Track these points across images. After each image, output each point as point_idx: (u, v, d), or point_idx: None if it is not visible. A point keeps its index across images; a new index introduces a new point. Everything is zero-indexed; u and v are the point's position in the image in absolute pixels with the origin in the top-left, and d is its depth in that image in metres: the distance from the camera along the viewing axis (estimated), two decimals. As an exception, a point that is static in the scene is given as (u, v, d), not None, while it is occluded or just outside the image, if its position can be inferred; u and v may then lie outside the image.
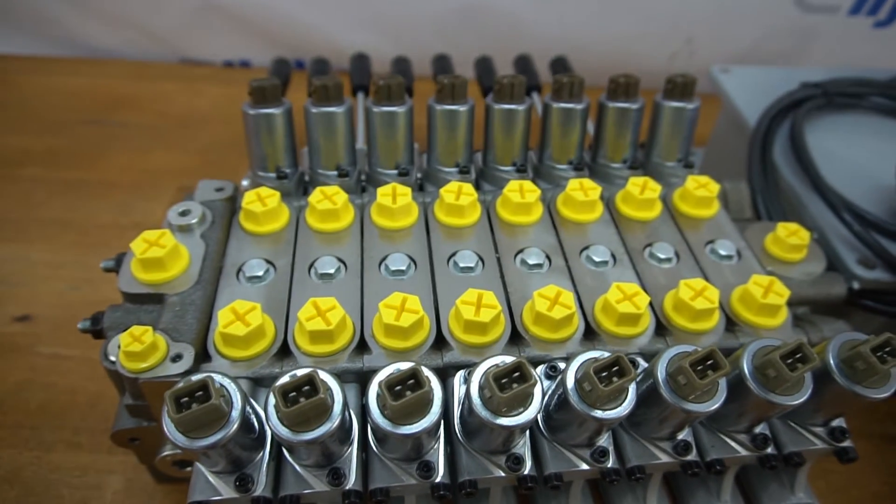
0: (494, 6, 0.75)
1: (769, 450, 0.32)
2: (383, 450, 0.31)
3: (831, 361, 0.29)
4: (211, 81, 0.80)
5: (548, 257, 0.39)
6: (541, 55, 0.64)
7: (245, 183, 0.46)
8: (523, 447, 0.31)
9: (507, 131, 0.44)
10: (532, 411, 0.27)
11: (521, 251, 0.39)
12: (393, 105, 0.42)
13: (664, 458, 0.32)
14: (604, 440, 0.31)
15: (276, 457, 0.31)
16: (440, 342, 0.34)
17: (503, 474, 0.31)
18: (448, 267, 0.38)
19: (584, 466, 0.31)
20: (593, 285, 0.37)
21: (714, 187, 0.42)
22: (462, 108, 0.42)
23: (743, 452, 0.32)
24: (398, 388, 0.26)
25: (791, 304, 0.39)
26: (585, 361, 0.28)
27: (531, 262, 0.38)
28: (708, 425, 0.33)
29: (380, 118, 0.42)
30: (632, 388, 0.28)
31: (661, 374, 0.28)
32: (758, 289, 0.35)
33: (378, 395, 0.27)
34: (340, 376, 0.32)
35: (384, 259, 0.38)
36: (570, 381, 0.28)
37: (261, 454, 0.30)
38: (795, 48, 0.76)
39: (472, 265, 0.38)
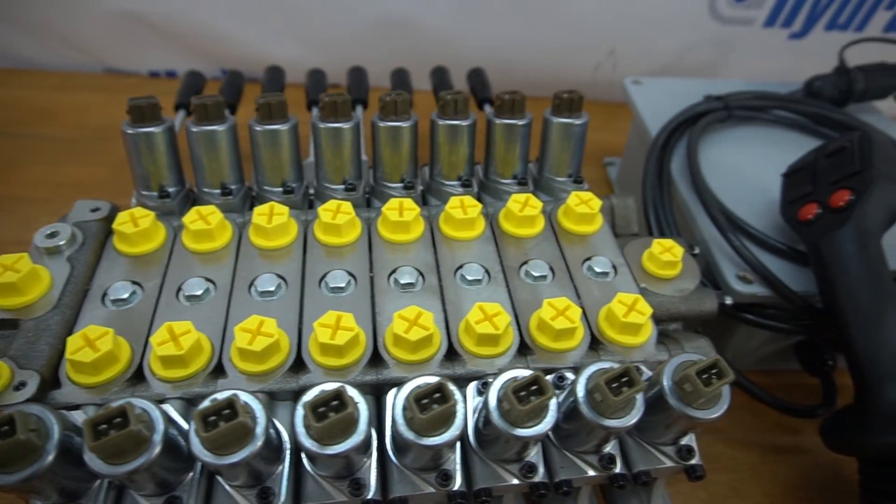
0: (419, 19, 0.75)
1: (617, 469, 0.32)
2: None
3: (665, 383, 0.29)
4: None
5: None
6: (466, 68, 0.64)
7: (133, 201, 0.45)
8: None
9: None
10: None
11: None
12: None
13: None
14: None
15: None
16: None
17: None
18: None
19: (592, 473, 0.32)
20: (458, 301, 0.37)
21: (595, 204, 0.42)
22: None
23: (591, 473, 0.32)
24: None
25: (663, 320, 0.39)
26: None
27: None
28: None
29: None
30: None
31: (581, 391, 0.29)
32: (621, 307, 0.35)
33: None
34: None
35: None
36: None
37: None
38: (716, 60, 0.77)
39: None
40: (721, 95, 0.56)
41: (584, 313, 0.37)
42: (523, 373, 0.30)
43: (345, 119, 0.42)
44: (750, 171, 0.52)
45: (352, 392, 0.28)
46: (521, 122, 0.45)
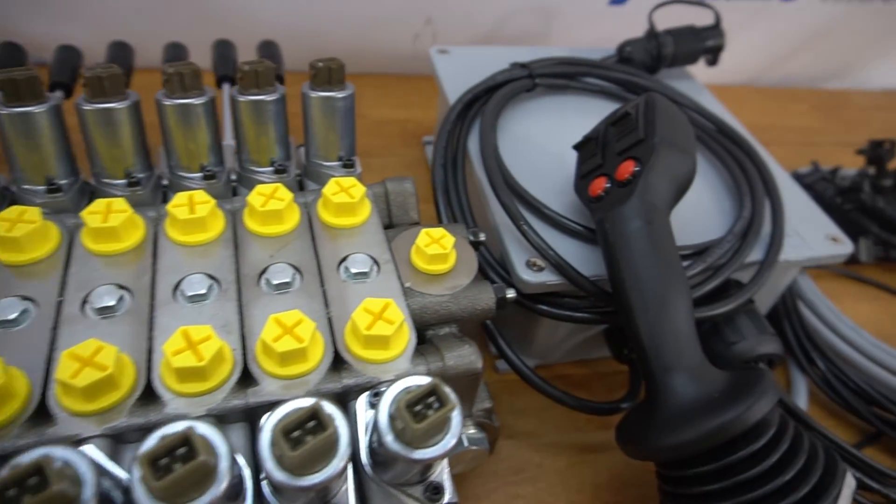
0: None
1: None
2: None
3: (380, 418, 0.23)
4: None
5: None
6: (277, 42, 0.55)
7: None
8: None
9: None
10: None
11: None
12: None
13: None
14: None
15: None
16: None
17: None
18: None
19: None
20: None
21: (358, 191, 0.36)
22: (269, 98, 0.37)
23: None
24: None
25: (433, 323, 0.34)
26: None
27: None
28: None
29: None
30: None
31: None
32: (365, 316, 0.29)
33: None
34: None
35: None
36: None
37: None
38: (538, 28, 0.73)
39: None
40: (526, 63, 0.52)
41: (331, 324, 0.31)
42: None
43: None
44: (555, 145, 0.48)
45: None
46: (269, 99, 0.37)
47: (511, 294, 0.35)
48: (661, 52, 0.56)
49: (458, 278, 0.35)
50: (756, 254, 0.41)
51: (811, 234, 0.44)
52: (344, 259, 0.34)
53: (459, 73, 0.54)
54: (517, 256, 0.39)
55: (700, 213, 0.44)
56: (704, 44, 0.57)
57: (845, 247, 0.44)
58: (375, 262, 0.34)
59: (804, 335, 0.49)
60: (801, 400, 0.48)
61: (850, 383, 0.46)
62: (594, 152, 0.40)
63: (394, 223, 0.39)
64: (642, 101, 0.38)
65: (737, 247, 0.41)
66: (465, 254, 0.36)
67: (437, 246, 0.34)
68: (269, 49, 0.56)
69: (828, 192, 0.59)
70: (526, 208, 0.41)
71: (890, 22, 0.84)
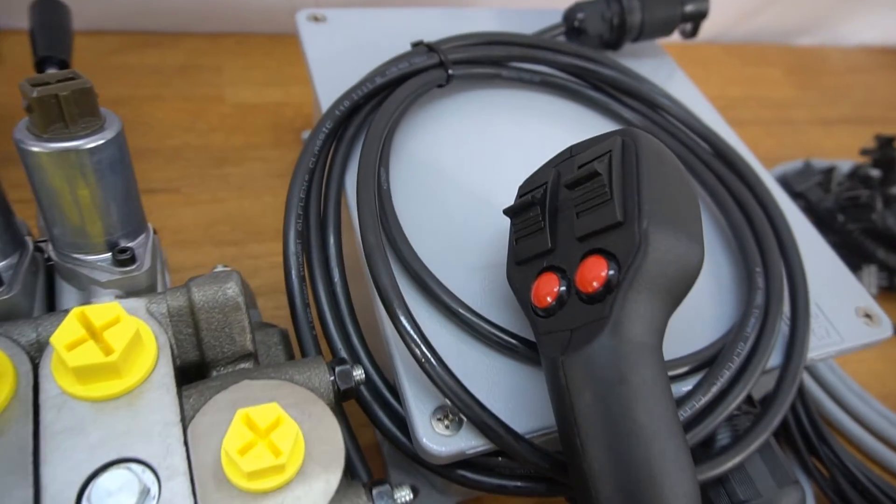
0: None
1: None
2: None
3: None
4: None
5: None
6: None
7: None
8: None
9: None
10: None
11: None
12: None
13: None
14: None
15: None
16: None
17: None
18: None
19: None
20: None
21: (124, 333, 0.20)
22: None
23: None
24: None
25: None
26: None
27: None
28: None
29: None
30: None
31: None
32: None
33: None
34: None
35: None
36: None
37: None
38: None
39: None
40: (434, 44, 0.35)
41: None
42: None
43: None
44: (480, 179, 0.32)
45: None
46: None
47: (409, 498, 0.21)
48: (626, 19, 0.40)
49: (306, 492, 0.19)
50: (772, 357, 0.28)
51: (836, 308, 0.31)
52: (89, 481, 0.18)
53: (340, 54, 0.37)
54: (418, 405, 0.24)
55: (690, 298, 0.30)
56: (683, 8, 0.42)
57: (883, 329, 0.31)
58: (155, 475, 0.19)
59: (809, 423, 0.37)
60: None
61: (867, 489, 0.35)
62: (538, 225, 0.25)
63: (207, 361, 0.23)
64: (618, 149, 0.23)
65: (748, 352, 0.27)
66: (321, 436, 0.21)
67: (263, 449, 0.19)
68: (48, 15, 0.37)
69: (824, 203, 0.46)
70: (434, 305, 0.26)
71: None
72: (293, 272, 0.26)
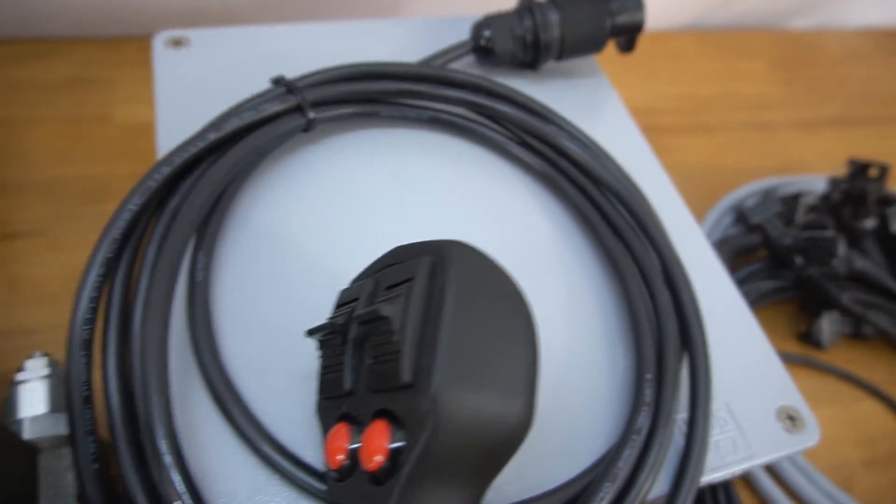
0: None
1: None
2: None
3: None
4: None
5: None
6: None
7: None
8: None
9: None
10: None
11: None
12: None
13: None
14: None
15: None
16: None
17: None
18: None
19: None
20: None
21: None
22: None
23: None
24: None
25: None
26: None
27: None
28: None
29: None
30: None
31: None
32: None
33: None
34: None
35: None
36: None
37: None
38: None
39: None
40: (293, 81, 0.29)
41: None
42: None
43: None
44: (332, 249, 0.27)
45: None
46: None
47: None
48: (541, 37, 0.34)
49: None
50: (659, 482, 0.24)
51: (753, 410, 0.26)
52: None
53: (193, 89, 0.32)
54: (191, 574, 0.20)
55: (561, 410, 0.25)
56: (613, 20, 0.36)
57: (807, 435, 0.26)
58: None
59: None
60: None
61: None
62: (339, 358, 0.20)
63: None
64: (422, 276, 0.18)
65: (618, 490, 0.22)
66: None
67: None
68: None
69: (784, 240, 0.40)
70: (237, 435, 0.22)
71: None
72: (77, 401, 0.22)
